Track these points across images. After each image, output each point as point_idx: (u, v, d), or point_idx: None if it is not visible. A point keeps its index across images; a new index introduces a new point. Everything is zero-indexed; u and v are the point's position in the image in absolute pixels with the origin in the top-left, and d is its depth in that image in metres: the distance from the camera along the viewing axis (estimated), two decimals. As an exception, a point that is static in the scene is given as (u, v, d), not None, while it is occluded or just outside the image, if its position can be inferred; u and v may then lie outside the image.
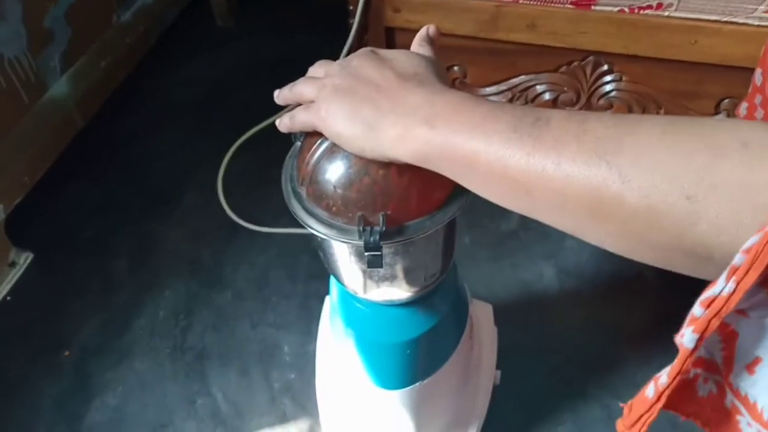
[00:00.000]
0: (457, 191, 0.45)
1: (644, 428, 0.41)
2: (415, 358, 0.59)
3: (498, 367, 0.76)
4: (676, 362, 0.37)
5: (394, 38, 0.91)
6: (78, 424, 0.86)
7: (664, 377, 0.38)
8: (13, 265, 1.05)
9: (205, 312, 0.97)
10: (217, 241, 1.06)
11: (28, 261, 1.07)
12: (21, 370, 0.93)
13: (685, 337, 0.32)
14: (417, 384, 0.61)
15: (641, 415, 0.40)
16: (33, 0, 1.03)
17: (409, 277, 0.51)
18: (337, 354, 0.67)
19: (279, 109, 1.21)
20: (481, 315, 0.77)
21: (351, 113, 0.39)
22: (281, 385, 0.87)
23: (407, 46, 0.94)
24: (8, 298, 1.02)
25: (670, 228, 0.28)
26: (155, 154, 1.23)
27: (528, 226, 1.01)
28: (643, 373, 0.74)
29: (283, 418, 0.84)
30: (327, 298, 0.81)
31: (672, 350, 0.66)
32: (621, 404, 0.42)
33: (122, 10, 1.27)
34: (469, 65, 0.91)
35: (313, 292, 0.98)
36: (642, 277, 0.90)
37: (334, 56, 1.04)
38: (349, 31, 0.92)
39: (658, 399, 0.39)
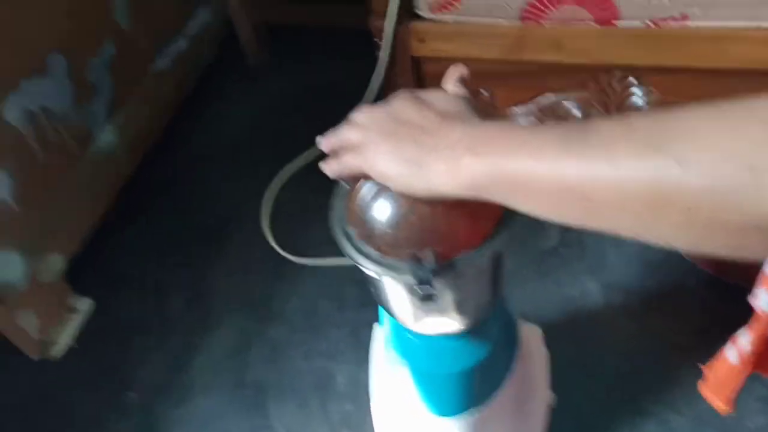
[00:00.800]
0: (503, 222, 0.47)
1: (732, 395, 0.41)
2: (470, 386, 0.60)
3: (552, 387, 0.76)
4: (756, 326, 0.36)
5: (421, 67, 0.93)
6: (148, 462, 0.90)
7: (743, 340, 0.37)
8: (74, 311, 1.10)
9: (260, 346, 1.00)
10: (267, 275, 1.09)
11: (89, 307, 1.11)
12: (91, 414, 0.97)
13: (761, 300, 0.31)
14: (473, 410, 0.62)
15: (727, 381, 0.40)
16: (76, 54, 1.08)
17: (461, 310, 0.53)
18: (391, 383, 0.69)
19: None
20: (531, 337, 0.78)
21: (397, 154, 0.41)
22: (339, 417, 0.89)
23: (434, 75, 0.97)
24: (73, 344, 1.07)
25: (737, 205, 0.27)
26: (201, 194, 1.27)
27: (568, 242, 1.02)
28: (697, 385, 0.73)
29: (344, 450, 0.86)
30: (375, 326, 0.83)
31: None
32: (701, 365, 0.41)
33: (159, 57, 1.32)
34: (496, 87, 0.92)
35: (362, 320, 1.00)
36: (686, 288, 0.90)
37: (364, 86, 1.07)
38: (378, 62, 0.95)
39: (744, 366, 0.38)
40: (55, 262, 1.06)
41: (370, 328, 0.97)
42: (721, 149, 0.27)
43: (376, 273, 0.47)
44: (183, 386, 0.97)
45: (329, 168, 0.48)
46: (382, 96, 1.04)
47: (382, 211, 0.46)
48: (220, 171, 1.31)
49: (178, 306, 1.09)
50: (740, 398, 0.79)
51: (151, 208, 1.26)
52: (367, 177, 0.46)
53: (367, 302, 1.02)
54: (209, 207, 1.25)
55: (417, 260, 0.45)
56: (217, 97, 1.47)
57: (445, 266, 0.45)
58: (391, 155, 0.42)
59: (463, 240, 0.46)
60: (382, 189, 0.46)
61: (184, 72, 1.39)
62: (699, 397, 0.80)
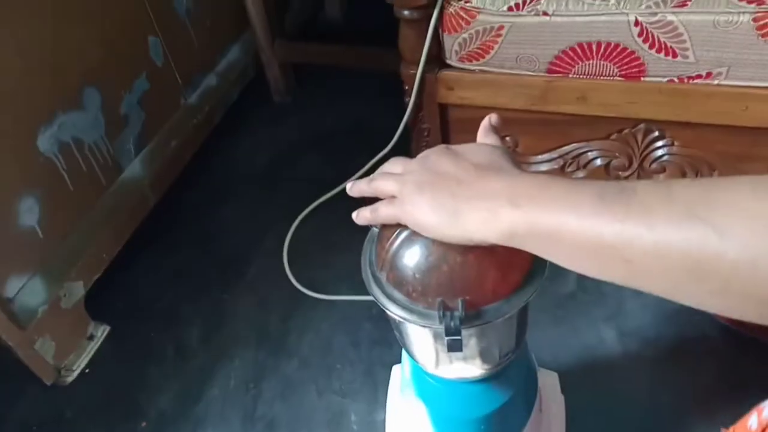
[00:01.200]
0: (532, 273, 0.48)
1: None
2: (489, 431, 0.60)
3: (568, 435, 0.76)
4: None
5: (447, 114, 0.96)
6: (156, 495, 0.89)
7: (767, 411, 0.38)
8: (91, 338, 1.11)
9: (274, 380, 1.00)
10: (282, 308, 1.10)
11: (105, 333, 1.13)
12: (102, 444, 0.97)
13: None
14: (491, 456, 0.62)
15: None
16: (110, 89, 1.12)
17: (484, 356, 0.53)
18: (409, 424, 0.69)
19: (340, 182, 1.27)
20: (548, 383, 0.78)
21: (435, 205, 0.42)
22: (351, 455, 0.89)
23: (460, 121, 0.99)
24: (86, 370, 1.07)
25: None
26: (223, 226, 1.29)
27: (585, 287, 1.02)
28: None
29: (355, 488, 0.86)
30: (395, 368, 0.83)
31: (741, 412, 0.67)
32: (723, 429, 0.42)
33: (189, 92, 1.36)
34: (520, 135, 0.94)
35: (377, 359, 1.00)
36: (706, 338, 0.90)
37: (388, 129, 1.10)
38: (405, 107, 0.97)
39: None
40: (76, 290, 1.07)
41: (384, 367, 0.97)
42: (759, 223, 0.28)
43: (404, 319, 0.48)
44: (194, 417, 0.97)
45: (361, 216, 0.50)
46: (406, 141, 1.07)
47: (413, 258, 0.47)
48: (240, 204, 1.34)
49: (193, 336, 1.10)
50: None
51: (170, 237, 1.28)
52: (400, 225, 0.47)
53: (382, 341, 1.02)
54: (228, 239, 1.26)
55: (446, 309, 0.46)
56: (244, 134, 1.51)
57: (473, 316, 0.46)
58: (429, 206, 0.43)
59: (492, 290, 0.47)
60: (414, 236, 0.47)
61: (212, 107, 1.43)
62: None
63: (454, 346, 0.47)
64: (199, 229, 1.29)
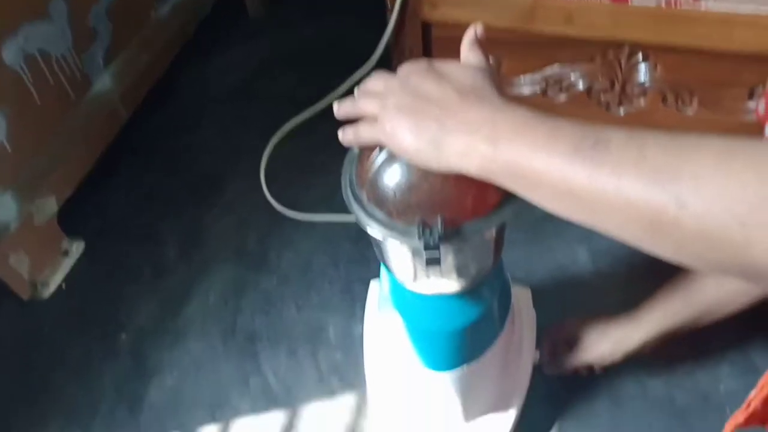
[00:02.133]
0: (510, 194, 0.49)
1: (732, 427, 0.45)
2: (464, 343, 0.63)
3: (537, 347, 0.80)
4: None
5: (430, 32, 0.93)
6: (138, 404, 0.92)
7: (753, 391, 0.42)
8: (66, 254, 1.11)
9: (253, 296, 1.02)
10: (261, 228, 1.11)
11: (81, 250, 1.12)
12: (81, 354, 0.99)
13: None
14: (464, 366, 0.65)
15: (735, 416, 0.44)
16: (78, 0, 1.07)
17: (461, 273, 0.55)
18: (386, 337, 0.72)
19: (320, 97, 1.25)
20: (521, 299, 0.81)
21: (415, 131, 0.42)
22: (328, 365, 0.92)
23: (444, 40, 0.97)
24: (63, 286, 1.08)
25: (724, 250, 0.30)
26: (198, 144, 1.27)
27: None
28: (676, 348, 0.77)
29: (332, 396, 0.89)
30: (372, 283, 0.85)
31: (705, 330, 0.70)
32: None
33: (160, 5, 1.30)
34: (504, 56, 0.93)
35: (355, 276, 1.02)
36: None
37: (366, 46, 1.07)
38: (386, 24, 0.94)
39: (748, 405, 0.42)
40: (48, 205, 1.06)
41: (362, 284, 0.99)
42: (718, 200, 0.30)
43: (384, 236, 0.49)
44: (174, 331, 0.99)
45: (345, 137, 0.49)
46: (386, 59, 1.04)
47: (394, 178, 0.47)
48: (215, 123, 1.31)
49: (171, 253, 1.10)
50: (712, 362, 0.84)
51: (146, 155, 1.26)
52: (380, 146, 0.47)
53: (360, 259, 1.04)
54: (204, 158, 1.25)
55: (425, 226, 0.46)
56: (217, 50, 1.46)
57: (452, 233, 0.47)
58: (410, 132, 0.42)
59: (472, 208, 0.47)
60: (395, 156, 0.47)
61: (184, 21, 1.37)
62: (675, 362, 0.84)
63: (433, 262, 0.47)
64: (173, 148, 1.27)
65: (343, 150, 0.52)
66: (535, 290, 0.83)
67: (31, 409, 0.93)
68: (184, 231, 1.13)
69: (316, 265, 1.04)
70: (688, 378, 0.84)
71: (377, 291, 0.83)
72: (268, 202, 1.12)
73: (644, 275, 0.76)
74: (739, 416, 0.45)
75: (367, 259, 1.03)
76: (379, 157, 0.48)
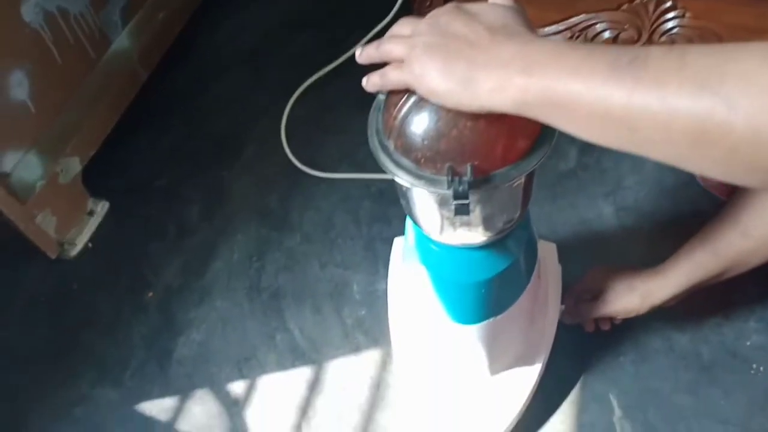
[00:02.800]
0: (540, 140, 0.48)
1: None
2: (490, 296, 0.63)
3: (563, 302, 0.79)
4: None
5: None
6: (167, 359, 0.94)
7: None
8: (91, 213, 1.12)
9: (277, 254, 1.03)
10: (282, 187, 1.11)
11: (105, 210, 1.14)
12: (110, 312, 1.01)
13: None
14: (491, 319, 0.65)
15: None
16: (94, -42, 1.06)
17: (488, 223, 0.54)
18: (410, 292, 0.72)
19: (338, 56, 1.23)
20: (546, 254, 0.80)
21: (445, 69, 0.41)
22: (353, 321, 0.93)
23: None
24: (90, 244, 1.10)
25: None
26: (216, 104, 1.27)
27: (585, 165, 1.03)
28: (703, 303, 0.77)
29: (357, 351, 0.90)
30: (396, 240, 0.85)
31: (731, 285, 0.69)
32: None
33: (176, -38, 1.28)
34: (527, 5, 0.90)
35: (377, 234, 1.02)
36: (700, 212, 0.92)
37: (387, 2, 1.05)
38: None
39: None
40: (73, 164, 1.07)
41: (384, 242, 1.00)
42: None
43: (412, 185, 0.48)
44: (200, 289, 1.01)
45: (371, 82, 0.48)
46: (406, 13, 1.02)
47: (422, 124, 0.46)
48: (233, 83, 1.30)
49: (193, 213, 1.11)
50: (739, 317, 0.83)
51: (165, 116, 1.26)
52: (408, 90, 0.46)
53: (382, 217, 1.03)
54: (222, 118, 1.24)
55: (455, 174, 0.46)
56: (232, 7, 1.43)
57: (481, 181, 0.46)
58: (440, 71, 0.41)
59: (501, 156, 0.46)
60: (423, 102, 0.46)
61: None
62: (701, 317, 0.84)
63: (462, 211, 0.47)
64: (192, 109, 1.27)
65: (361, 108, 0.51)
66: (560, 246, 0.83)
67: (63, 365, 0.96)
68: (206, 190, 1.13)
69: (338, 224, 1.04)
70: (715, 333, 0.84)
71: (401, 248, 0.83)
72: (288, 162, 1.12)
73: (669, 230, 0.75)
74: None
75: (388, 218, 1.03)
76: (408, 103, 0.47)
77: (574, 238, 0.94)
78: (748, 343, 0.82)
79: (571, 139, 1.05)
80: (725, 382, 0.80)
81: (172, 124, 1.24)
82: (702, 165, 0.34)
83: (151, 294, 1.02)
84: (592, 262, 0.82)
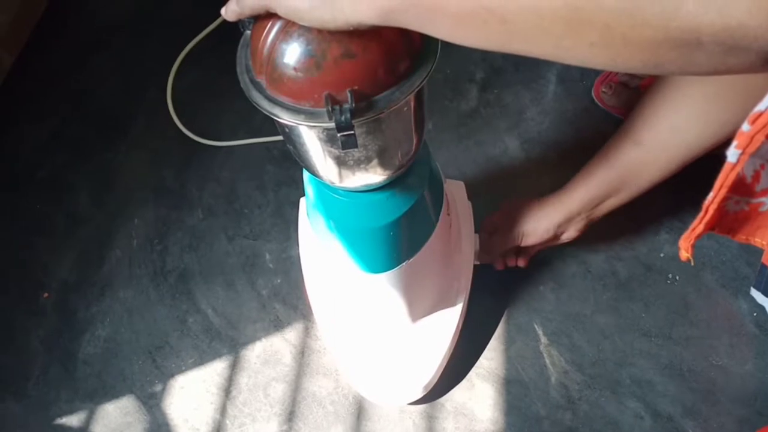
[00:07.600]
0: (422, 59, 0.44)
1: (692, 239, 0.46)
2: (399, 239, 0.60)
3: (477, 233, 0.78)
4: (720, 175, 0.39)
5: None
6: (72, 360, 0.87)
7: (710, 194, 0.42)
8: (-32, 215, 1.02)
9: (179, 234, 0.96)
10: (177, 161, 1.03)
11: (-17, 210, 1.03)
12: (3, 319, 0.92)
13: (730, 151, 0.33)
14: (403, 264, 0.62)
15: (693, 228, 0.44)
16: None
17: (384, 158, 0.51)
18: (321, 249, 0.68)
19: (215, 18, 1.15)
20: (455, 193, 0.78)
21: None
22: (269, 291, 0.89)
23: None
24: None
25: (654, 19, 0.27)
26: (96, 80, 1.16)
27: (487, 102, 1.01)
28: (613, 225, 0.77)
29: (277, 322, 0.86)
30: (301, 200, 0.81)
31: (639, 202, 0.69)
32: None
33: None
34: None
35: (284, 199, 0.97)
36: (601, 134, 0.92)
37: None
38: None
39: (705, 212, 0.42)
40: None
41: (293, 206, 0.95)
42: None
43: (292, 121, 0.44)
44: (100, 281, 0.93)
45: (230, 10, 0.44)
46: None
47: (292, 53, 0.42)
48: (111, 56, 1.20)
49: (83, 201, 1.02)
50: (649, 231, 0.85)
51: (41, 99, 1.15)
52: (272, 16, 0.42)
53: (287, 181, 0.98)
54: (104, 95, 1.15)
55: (335, 103, 0.42)
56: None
57: (364, 107, 0.43)
58: None
59: (382, 77, 0.43)
60: (290, 27, 0.41)
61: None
62: (613, 237, 0.84)
63: (348, 143, 0.44)
64: (70, 87, 1.16)
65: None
66: (469, 184, 0.81)
67: (-46, 384, 0.86)
68: (94, 175, 1.04)
69: (242, 193, 0.99)
70: (628, 250, 0.85)
71: (305, 205, 0.79)
72: (180, 134, 1.05)
73: (574, 156, 0.74)
74: (698, 227, 0.44)
75: (294, 180, 0.98)
76: (273, 29, 0.42)
77: (482, 176, 0.92)
78: (662, 255, 0.84)
79: (470, 78, 1.03)
80: (644, 296, 0.81)
81: (49, 108, 1.14)
82: (580, 52, 0.32)
83: (46, 294, 0.93)
84: (502, 196, 0.81)
